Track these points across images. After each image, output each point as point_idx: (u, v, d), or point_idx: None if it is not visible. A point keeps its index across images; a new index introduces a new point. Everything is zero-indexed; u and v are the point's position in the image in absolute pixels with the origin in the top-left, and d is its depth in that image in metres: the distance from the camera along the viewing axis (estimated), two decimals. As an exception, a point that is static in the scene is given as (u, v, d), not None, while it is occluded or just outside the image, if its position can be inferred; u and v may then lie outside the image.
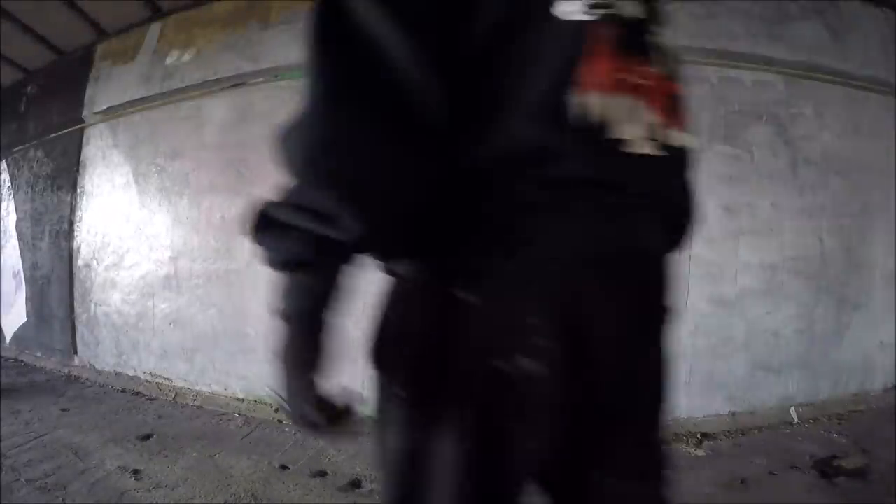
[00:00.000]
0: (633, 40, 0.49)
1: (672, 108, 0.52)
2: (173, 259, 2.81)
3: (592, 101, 0.45)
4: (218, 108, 2.70)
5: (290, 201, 0.45)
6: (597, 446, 0.53)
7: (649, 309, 0.54)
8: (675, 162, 0.54)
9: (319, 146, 0.43)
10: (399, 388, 0.49)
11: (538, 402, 0.47)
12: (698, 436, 2.15)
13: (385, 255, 0.51)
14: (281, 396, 0.49)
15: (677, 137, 0.52)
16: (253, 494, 1.66)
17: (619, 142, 0.47)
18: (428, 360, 0.48)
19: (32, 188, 3.70)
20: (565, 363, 0.46)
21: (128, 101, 3.05)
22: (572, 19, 0.46)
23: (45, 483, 1.71)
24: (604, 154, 0.47)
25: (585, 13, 0.47)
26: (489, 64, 0.46)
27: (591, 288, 0.47)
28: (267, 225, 0.47)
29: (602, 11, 0.47)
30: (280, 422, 2.38)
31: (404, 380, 0.49)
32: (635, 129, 0.48)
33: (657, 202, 0.53)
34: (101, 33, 3.33)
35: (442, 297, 0.47)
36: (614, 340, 0.49)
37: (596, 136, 0.46)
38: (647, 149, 0.48)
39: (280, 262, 0.47)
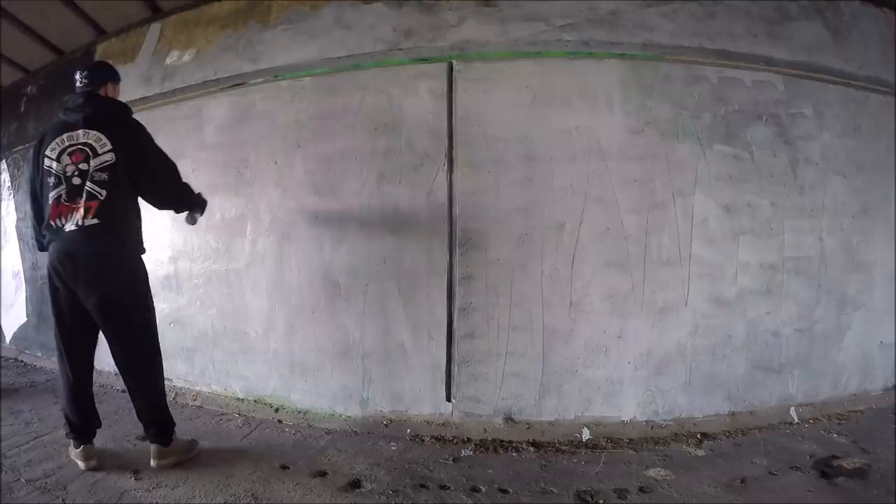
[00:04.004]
0: (74, 193, 1.77)
1: (86, 212, 1.74)
2: (173, 259, 2.81)
3: (55, 218, 1.78)
4: (218, 108, 2.70)
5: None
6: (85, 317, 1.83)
7: (83, 269, 1.76)
8: (86, 229, 1.74)
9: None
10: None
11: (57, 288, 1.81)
12: (698, 436, 2.15)
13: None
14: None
15: (88, 222, 1.74)
16: (253, 494, 1.66)
17: (63, 228, 1.76)
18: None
19: (32, 188, 3.70)
20: (59, 281, 1.80)
21: (128, 101, 3.03)
22: (53, 182, 1.81)
23: (45, 483, 1.72)
24: (58, 231, 1.77)
25: (58, 176, 1.80)
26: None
27: (58, 261, 1.77)
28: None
29: (65, 173, 1.79)
30: (280, 422, 2.39)
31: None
32: (70, 224, 1.75)
33: (81, 241, 1.75)
34: (101, 33, 3.33)
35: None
36: (68, 278, 1.76)
37: (58, 226, 1.77)
38: (73, 228, 1.75)
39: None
